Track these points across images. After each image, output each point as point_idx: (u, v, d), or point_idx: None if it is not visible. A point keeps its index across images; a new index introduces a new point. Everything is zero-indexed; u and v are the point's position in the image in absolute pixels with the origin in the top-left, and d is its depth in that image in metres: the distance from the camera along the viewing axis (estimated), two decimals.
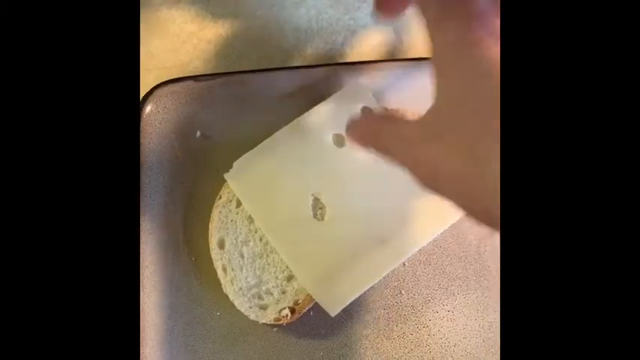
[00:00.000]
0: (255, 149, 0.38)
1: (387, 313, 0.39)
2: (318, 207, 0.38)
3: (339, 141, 0.39)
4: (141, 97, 0.40)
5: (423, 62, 0.43)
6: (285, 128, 0.39)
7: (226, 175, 0.38)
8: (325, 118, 0.39)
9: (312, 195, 0.38)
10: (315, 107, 0.40)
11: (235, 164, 0.38)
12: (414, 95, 0.42)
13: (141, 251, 0.37)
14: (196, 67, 0.45)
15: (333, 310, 0.36)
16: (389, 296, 0.39)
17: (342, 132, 0.39)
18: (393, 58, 0.47)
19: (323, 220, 0.37)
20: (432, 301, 0.40)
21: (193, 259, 0.39)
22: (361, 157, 0.38)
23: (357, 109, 0.39)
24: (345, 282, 0.36)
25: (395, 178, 0.38)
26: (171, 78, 0.42)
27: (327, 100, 0.40)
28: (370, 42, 0.47)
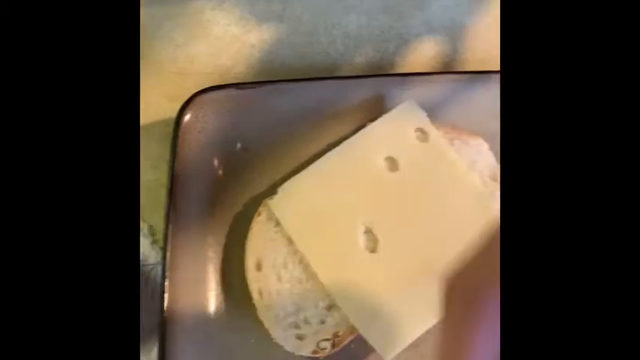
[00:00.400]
0: (301, 174, 0.36)
1: (436, 350, 0.36)
2: (369, 238, 0.35)
3: (391, 165, 0.36)
4: (180, 105, 0.38)
5: (480, 76, 0.40)
6: (333, 151, 0.36)
7: (270, 203, 0.35)
8: (376, 140, 0.36)
9: (363, 224, 0.35)
10: (365, 128, 0.37)
11: (280, 190, 0.35)
12: (469, 112, 0.39)
13: (172, 267, 0.35)
14: (238, 72, 0.43)
15: (389, 354, 0.33)
16: (438, 331, 0.36)
17: (395, 155, 0.36)
18: (447, 70, 0.44)
19: (375, 252, 0.34)
20: None
21: (228, 280, 0.36)
22: (417, 181, 0.35)
23: (410, 130, 0.36)
24: (401, 322, 0.33)
25: (456, 205, 0.35)
26: (211, 83, 0.40)
27: (377, 121, 0.37)
28: (423, 52, 0.44)
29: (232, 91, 0.38)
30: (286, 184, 0.36)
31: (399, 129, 0.37)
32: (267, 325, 0.34)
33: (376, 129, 0.37)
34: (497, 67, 0.43)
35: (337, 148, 0.37)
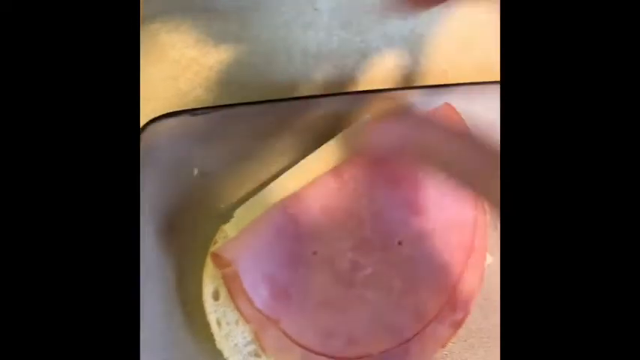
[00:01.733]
0: (257, 196, 0.35)
1: None
2: None
3: None
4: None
5: (444, 89, 0.39)
6: (289, 172, 0.36)
7: (227, 227, 0.35)
8: (332, 159, 0.36)
9: None
10: (321, 148, 0.36)
11: (236, 214, 0.35)
12: None
13: None
14: (197, 96, 0.43)
15: None
16: None
17: None
18: (409, 84, 0.43)
19: None
20: None
21: (187, 310, 0.36)
22: None
23: None
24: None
25: None
26: (169, 108, 0.40)
27: (333, 139, 0.36)
28: (383, 66, 0.44)
29: (187, 118, 0.38)
30: (242, 208, 0.36)
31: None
32: (226, 354, 0.34)
33: (331, 148, 0.36)
34: (458, 79, 0.43)
35: (293, 169, 0.36)
